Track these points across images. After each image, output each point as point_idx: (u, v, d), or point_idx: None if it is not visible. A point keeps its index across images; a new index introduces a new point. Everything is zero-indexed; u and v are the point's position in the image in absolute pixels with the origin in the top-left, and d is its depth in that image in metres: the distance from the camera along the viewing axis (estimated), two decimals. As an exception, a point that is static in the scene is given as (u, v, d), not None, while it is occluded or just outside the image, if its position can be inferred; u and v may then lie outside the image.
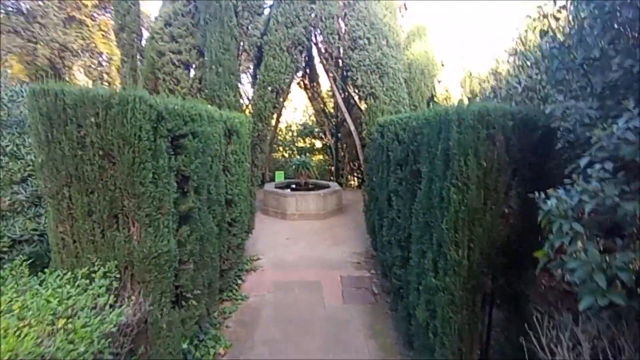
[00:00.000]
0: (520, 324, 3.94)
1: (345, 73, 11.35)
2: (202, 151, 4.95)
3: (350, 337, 6.05)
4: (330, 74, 11.25)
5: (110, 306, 3.26)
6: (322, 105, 20.46)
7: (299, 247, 10.32)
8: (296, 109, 25.09)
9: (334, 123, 20.36)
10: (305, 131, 23.18)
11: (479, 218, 3.62)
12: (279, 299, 7.36)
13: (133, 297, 3.63)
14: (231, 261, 7.31)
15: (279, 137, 22.86)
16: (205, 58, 9.76)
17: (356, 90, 10.59)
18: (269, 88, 9.99)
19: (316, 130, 22.74)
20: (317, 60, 15.67)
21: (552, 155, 4.00)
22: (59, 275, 3.36)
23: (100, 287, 3.23)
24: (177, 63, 10.23)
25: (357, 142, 11.28)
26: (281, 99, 10.61)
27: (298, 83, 19.33)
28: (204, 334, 5.72)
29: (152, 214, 3.68)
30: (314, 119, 22.41)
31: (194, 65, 10.42)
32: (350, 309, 6.97)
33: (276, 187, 14.68)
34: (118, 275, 3.62)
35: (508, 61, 8.18)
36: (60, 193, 3.57)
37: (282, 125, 22.92)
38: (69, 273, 3.40)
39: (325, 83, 20.20)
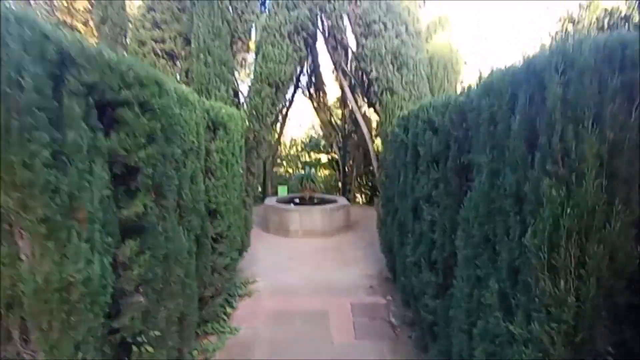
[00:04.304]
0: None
1: (350, 66, 10.03)
2: (164, 137, 3.56)
3: (368, 390, 4.59)
4: (339, 67, 9.88)
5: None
6: (328, 117, 19.21)
7: (302, 269, 8.88)
8: (301, 126, 24.07)
9: (341, 135, 19.06)
10: (311, 144, 21.90)
11: (598, 227, 2.16)
12: (276, 334, 5.89)
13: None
14: (217, 286, 5.89)
15: (283, 152, 21.76)
16: (192, 46, 8.43)
17: (367, 94, 9.27)
18: (267, 81, 8.63)
19: (322, 143, 21.45)
20: (323, 60, 14.43)
21: None
22: None
23: None
24: (160, 53, 8.92)
25: (370, 146, 9.89)
26: (281, 95, 9.18)
27: (303, 92, 18.23)
28: (174, 385, 4.29)
29: (55, 219, 2.25)
30: (320, 133, 21.22)
31: (180, 55, 9.05)
32: (365, 347, 5.49)
33: (278, 202, 13.27)
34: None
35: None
36: None
37: (286, 140, 21.93)
38: None
39: (331, 93, 19.17)
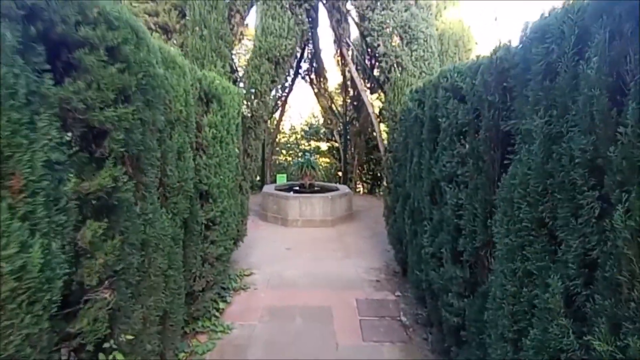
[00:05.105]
0: None
1: (352, 52, 9.39)
2: (143, 100, 2.94)
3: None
4: (343, 42, 9.22)
5: None
6: (329, 103, 18.60)
7: (302, 260, 8.28)
8: (301, 116, 23.48)
9: (342, 121, 18.47)
10: (311, 131, 21.26)
11: None
12: (274, 333, 5.29)
13: None
14: (208, 278, 5.28)
15: (282, 140, 21.19)
16: (187, 18, 7.76)
17: (370, 78, 8.61)
18: (267, 56, 7.98)
19: (322, 131, 20.84)
20: (324, 45, 13.87)
21: None
22: None
23: None
24: (153, 27, 8.22)
25: (376, 127, 9.23)
26: (281, 71, 8.52)
27: (303, 78, 17.62)
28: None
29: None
30: (320, 121, 20.79)
31: (174, 29, 8.37)
32: (374, 351, 4.89)
33: (276, 190, 12.64)
34: None
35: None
36: None
37: (285, 129, 21.54)
38: None
39: (332, 80, 18.65)
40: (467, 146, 3.64)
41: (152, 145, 3.19)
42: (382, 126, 10.74)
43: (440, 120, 4.19)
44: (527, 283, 2.54)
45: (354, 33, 13.67)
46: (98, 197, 2.50)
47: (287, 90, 17.09)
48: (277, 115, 17.92)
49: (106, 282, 2.60)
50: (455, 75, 3.92)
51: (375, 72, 11.31)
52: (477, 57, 3.58)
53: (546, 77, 2.38)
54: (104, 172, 2.48)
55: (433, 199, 4.61)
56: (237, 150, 6.10)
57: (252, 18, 8.94)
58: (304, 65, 17.48)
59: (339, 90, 19.15)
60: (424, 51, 7.52)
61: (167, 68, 3.64)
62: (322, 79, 17.86)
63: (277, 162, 20.30)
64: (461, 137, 3.78)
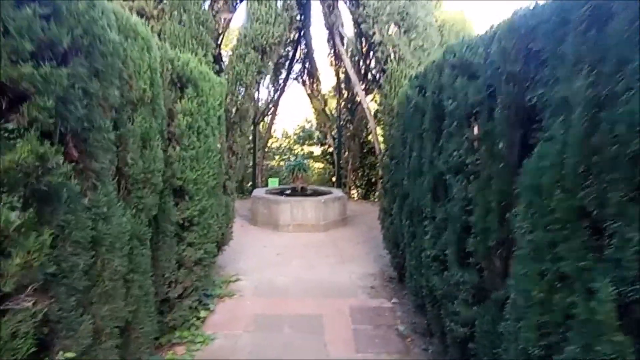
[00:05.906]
0: None
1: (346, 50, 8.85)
2: (88, 67, 2.42)
3: None
4: (335, 31, 8.71)
5: None
6: (323, 105, 18.16)
7: (293, 266, 7.77)
8: (294, 121, 23.03)
9: (335, 124, 18.03)
10: (304, 135, 20.79)
11: None
12: (260, 344, 4.79)
13: None
14: (186, 284, 4.76)
15: (274, 144, 20.74)
16: (164, 2, 7.23)
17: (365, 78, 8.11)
18: (253, 44, 7.47)
19: (316, 135, 20.39)
20: (317, 46, 13.41)
21: None
22: None
23: None
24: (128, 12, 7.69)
25: (371, 122, 8.74)
26: (269, 62, 7.98)
27: (296, 78, 17.22)
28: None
29: None
30: (313, 124, 20.36)
31: (152, 15, 7.80)
32: (369, 365, 4.40)
33: (267, 193, 12.14)
34: None
35: None
36: None
37: (278, 134, 21.11)
38: None
39: (325, 83, 18.27)
40: (477, 130, 3.12)
41: (103, 124, 2.67)
42: (378, 129, 10.30)
43: (445, 104, 3.67)
44: (560, 288, 2.02)
45: (349, 33, 13.30)
46: (15, 178, 1.95)
47: (278, 92, 16.66)
48: (268, 119, 17.51)
49: (30, 287, 2.05)
50: (465, 48, 3.41)
51: (372, 71, 10.84)
52: (492, 25, 3.08)
53: (592, 24, 1.87)
54: (21, 147, 1.93)
55: (435, 196, 4.10)
56: (219, 145, 5.58)
57: (242, 12, 8.45)
58: (297, 67, 17.10)
59: (333, 94, 18.71)
60: (423, 40, 7.03)
61: (125, 37, 3.14)
62: (315, 80, 17.48)
63: (270, 166, 19.87)
64: (471, 119, 3.26)
